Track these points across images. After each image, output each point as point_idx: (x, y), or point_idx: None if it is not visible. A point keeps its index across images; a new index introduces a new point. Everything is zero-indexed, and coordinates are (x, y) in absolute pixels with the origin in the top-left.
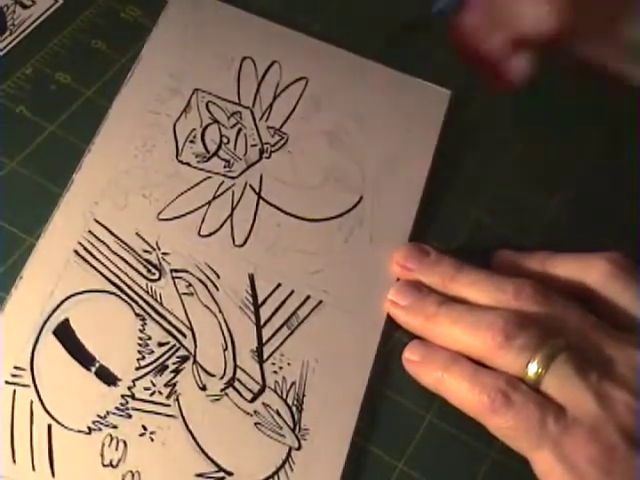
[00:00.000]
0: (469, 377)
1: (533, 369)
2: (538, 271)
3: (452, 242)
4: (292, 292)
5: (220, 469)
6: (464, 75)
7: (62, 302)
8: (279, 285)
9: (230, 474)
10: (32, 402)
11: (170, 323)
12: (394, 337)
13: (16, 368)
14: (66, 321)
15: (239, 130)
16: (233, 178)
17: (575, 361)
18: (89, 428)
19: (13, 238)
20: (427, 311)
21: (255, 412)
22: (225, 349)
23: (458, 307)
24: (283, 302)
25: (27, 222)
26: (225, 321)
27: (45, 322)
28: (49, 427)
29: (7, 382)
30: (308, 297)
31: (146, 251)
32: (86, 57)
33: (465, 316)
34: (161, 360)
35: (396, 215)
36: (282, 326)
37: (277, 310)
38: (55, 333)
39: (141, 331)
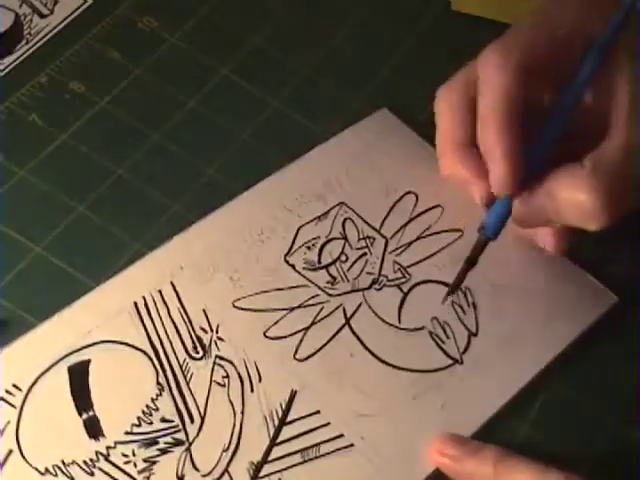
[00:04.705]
0: None
1: None
2: (489, 472)
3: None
4: (327, 424)
5: None
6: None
7: (95, 343)
8: (317, 412)
9: None
10: (8, 423)
11: (185, 404)
12: None
13: (14, 386)
14: (86, 362)
15: (363, 254)
16: (330, 295)
17: None
18: (45, 469)
19: (20, 247)
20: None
21: None
22: (225, 450)
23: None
24: (312, 430)
25: (35, 231)
26: (241, 424)
27: (67, 355)
28: (9, 452)
29: None
30: (341, 436)
31: (203, 329)
32: (101, 67)
33: None
34: (155, 435)
35: (479, 400)
36: (297, 452)
37: (301, 435)
38: (69, 369)
39: (153, 400)
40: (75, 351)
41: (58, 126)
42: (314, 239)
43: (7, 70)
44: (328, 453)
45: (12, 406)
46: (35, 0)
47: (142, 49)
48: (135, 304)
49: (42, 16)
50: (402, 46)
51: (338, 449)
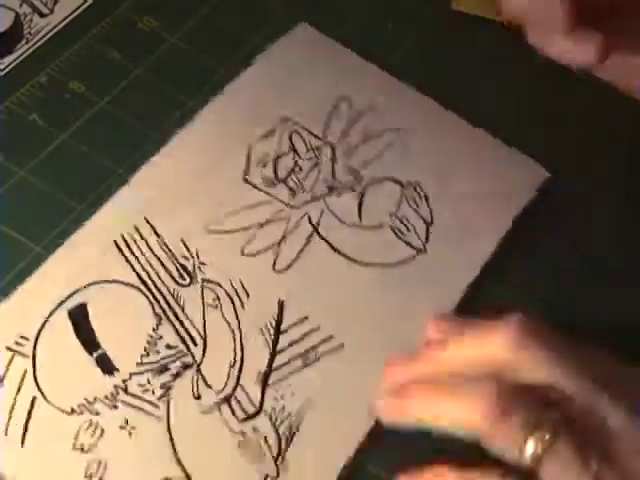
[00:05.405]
0: None
1: (530, 449)
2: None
3: None
4: (317, 328)
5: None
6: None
7: (87, 285)
8: (306, 318)
9: None
10: (25, 372)
11: (185, 329)
12: None
13: (21, 337)
14: (84, 304)
15: (315, 164)
16: (293, 207)
17: (575, 444)
18: (72, 409)
19: (20, 247)
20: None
21: (242, 433)
22: (232, 366)
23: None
24: (305, 335)
25: (35, 231)
26: (241, 339)
27: (64, 300)
28: (34, 399)
29: (8, 348)
30: (332, 337)
31: (184, 257)
32: (101, 67)
33: (451, 388)
34: (164, 362)
35: (448, 281)
36: (297, 357)
37: (297, 341)
38: (69, 313)
39: (154, 330)
40: (69, 296)
41: (58, 126)
42: (266, 156)
43: (7, 70)
44: (324, 354)
45: (25, 356)
46: (35, 0)
47: (142, 49)
48: (115, 243)
49: (42, 15)
50: (402, 46)
51: (332, 349)
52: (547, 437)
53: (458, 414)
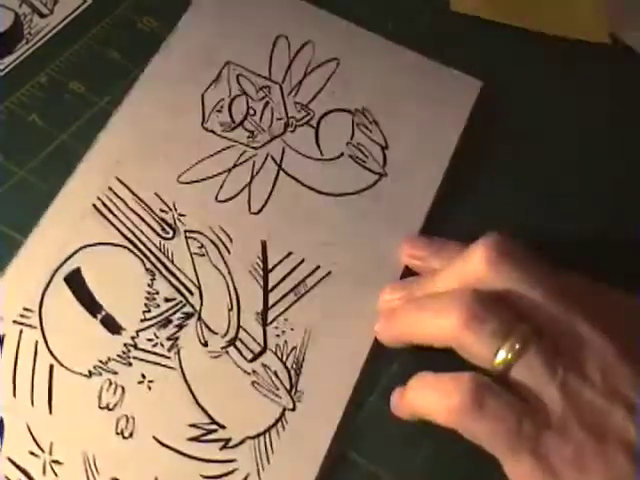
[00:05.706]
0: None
1: (501, 357)
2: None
3: (467, 234)
4: (302, 261)
5: (213, 421)
6: (499, 68)
7: (76, 251)
8: (290, 253)
9: (222, 427)
10: (37, 342)
11: (179, 280)
12: None
13: (25, 309)
14: (78, 270)
15: (266, 103)
16: (255, 148)
17: (544, 354)
18: (89, 372)
19: (20, 247)
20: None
21: (253, 371)
22: (230, 309)
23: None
24: (292, 270)
25: None
26: (233, 283)
27: (57, 268)
28: (51, 367)
29: (15, 321)
30: (318, 267)
31: (163, 211)
32: (101, 67)
33: (430, 301)
34: (166, 314)
35: (413, 199)
36: (289, 292)
37: (286, 277)
38: (66, 280)
39: (149, 285)
40: (62, 263)
41: (58, 126)
42: (220, 101)
43: (7, 70)
44: (314, 285)
45: (33, 327)
46: (35, 0)
47: (142, 49)
48: (94, 206)
49: (42, 16)
50: (402, 46)
51: (321, 279)
52: (517, 347)
53: (437, 322)
